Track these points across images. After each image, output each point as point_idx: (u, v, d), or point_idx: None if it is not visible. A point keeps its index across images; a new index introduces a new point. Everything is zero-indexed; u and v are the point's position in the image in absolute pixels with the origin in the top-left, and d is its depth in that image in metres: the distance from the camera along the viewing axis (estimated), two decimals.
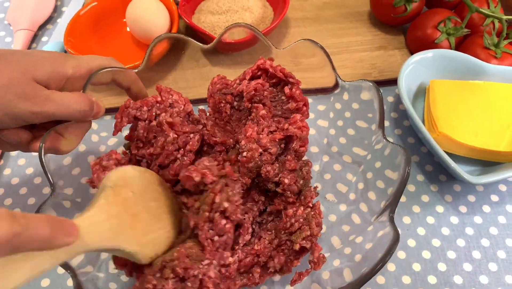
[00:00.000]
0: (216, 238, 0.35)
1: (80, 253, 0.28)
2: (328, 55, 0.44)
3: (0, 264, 0.22)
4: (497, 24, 0.55)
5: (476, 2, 0.56)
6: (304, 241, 0.37)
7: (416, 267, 0.43)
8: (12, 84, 0.34)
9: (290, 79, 0.42)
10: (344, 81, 0.43)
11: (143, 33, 0.54)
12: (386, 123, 0.54)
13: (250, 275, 0.38)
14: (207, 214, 0.35)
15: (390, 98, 0.56)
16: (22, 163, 0.51)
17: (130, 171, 0.36)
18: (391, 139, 0.40)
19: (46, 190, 0.49)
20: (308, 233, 0.38)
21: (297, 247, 0.37)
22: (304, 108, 0.42)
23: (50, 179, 0.35)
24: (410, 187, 0.49)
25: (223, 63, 0.53)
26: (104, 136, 0.51)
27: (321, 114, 0.49)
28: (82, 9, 0.56)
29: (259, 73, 0.43)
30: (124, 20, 0.58)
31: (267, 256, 0.38)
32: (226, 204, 0.35)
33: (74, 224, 0.27)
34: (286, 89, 0.42)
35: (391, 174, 0.37)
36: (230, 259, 0.35)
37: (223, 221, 0.35)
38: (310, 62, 0.58)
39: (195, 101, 0.53)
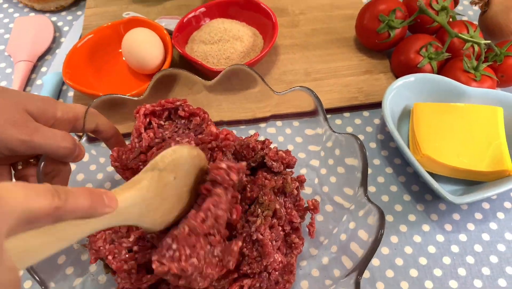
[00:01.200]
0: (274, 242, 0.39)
1: (105, 226, 0.29)
2: (321, 106, 0.45)
3: (42, 230, 0.25)
4: (476, 48, 0.57)
5: (456, 27, 0.58)
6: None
7: (404, 285, 0.45)
8: (3, 111, 0.35)
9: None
10: (334, 132, 0.44)
11: (138, 64, 0.57)
12: (373, 145, 0.56)
13: None
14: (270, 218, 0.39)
15: (377, 121, 0.58)
16: None
17: (185, 154, 0.35)
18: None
19: None
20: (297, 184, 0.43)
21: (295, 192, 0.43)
22: None
23: None
24: (397, 207, 0.51)
25: (215, 90, 0.56)
26: (102, 163, 0.53)
27: (311, 141, 0.51)
28: (79, 42, 0.59)
29: None
30: (120, 50, 0.60)
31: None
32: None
33: (114, 197, 0.29)
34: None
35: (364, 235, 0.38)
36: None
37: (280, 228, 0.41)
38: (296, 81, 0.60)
39: None
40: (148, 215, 0.33)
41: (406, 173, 0.53)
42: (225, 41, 0.59)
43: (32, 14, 0.72)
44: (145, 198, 0.32)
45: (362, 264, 0.35)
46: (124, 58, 0.59)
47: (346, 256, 0.41)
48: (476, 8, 0.71)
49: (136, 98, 0.47)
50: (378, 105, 0.58)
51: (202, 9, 0.62)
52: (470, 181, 0.51)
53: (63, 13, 0.72)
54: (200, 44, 0.60)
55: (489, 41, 0.56)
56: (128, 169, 0.43)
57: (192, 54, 0.59)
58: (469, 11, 0.71)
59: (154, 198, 0.32)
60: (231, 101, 0.56)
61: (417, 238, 0.48)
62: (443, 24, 0.57)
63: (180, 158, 0.35)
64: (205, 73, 0.58)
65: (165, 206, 0.34)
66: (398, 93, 0.54)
